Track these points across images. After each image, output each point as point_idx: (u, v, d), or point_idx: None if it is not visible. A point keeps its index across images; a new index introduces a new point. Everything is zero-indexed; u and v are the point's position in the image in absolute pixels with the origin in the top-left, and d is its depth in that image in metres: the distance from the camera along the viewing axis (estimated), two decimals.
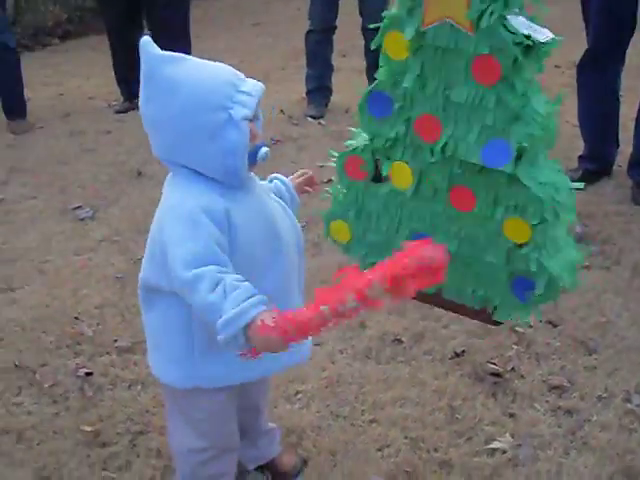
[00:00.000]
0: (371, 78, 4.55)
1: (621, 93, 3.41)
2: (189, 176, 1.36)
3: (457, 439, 1.87)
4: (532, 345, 2.24)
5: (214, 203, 1.32)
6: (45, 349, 2.26)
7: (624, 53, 3.25)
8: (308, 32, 4.49)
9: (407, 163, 1.50)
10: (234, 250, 1.33)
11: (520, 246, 1.48)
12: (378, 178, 1.60)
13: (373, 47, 1.46)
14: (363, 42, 4.53)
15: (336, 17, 4.43)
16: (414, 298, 1.48)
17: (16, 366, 2.19)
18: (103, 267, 2.75)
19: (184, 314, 1.38)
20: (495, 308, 1.58)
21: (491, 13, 1.22)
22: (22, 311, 2.48)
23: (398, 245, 1.36)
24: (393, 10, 1.37)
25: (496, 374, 2.10)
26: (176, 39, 4.72)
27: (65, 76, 5.84)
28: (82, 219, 3.16)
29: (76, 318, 2.40)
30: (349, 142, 1.63)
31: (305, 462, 1.80)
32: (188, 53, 4.26)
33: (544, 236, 1.43)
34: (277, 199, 1.53)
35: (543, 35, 1.26)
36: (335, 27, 4.47)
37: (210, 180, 1.34)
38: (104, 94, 5.20)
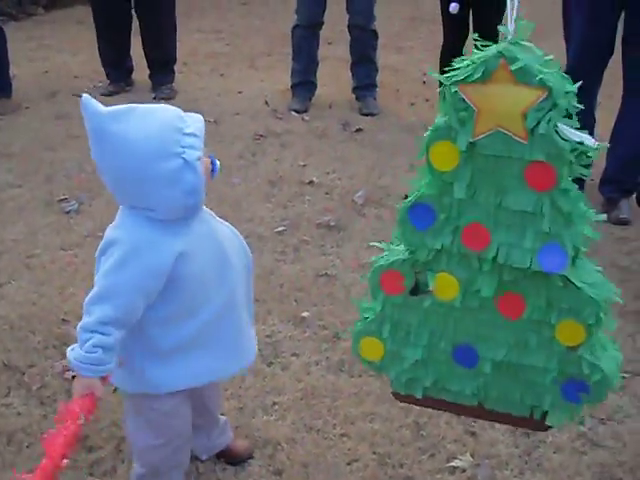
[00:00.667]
0: (355, 74, 4.66)
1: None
2: (148, 220, 1.48)
3: (421, 456, 2.01)
4: None
5: (165, 253, 1.47)
6: (33, 349, 2.36)
7: (601, 75, 3.36)
8: (295, 27, 4.55)
9: (452, 273, 1.44)
10: (184, 279, 1.50)
11: (572, 348, 1.45)
12: (415, 290, 1.52)
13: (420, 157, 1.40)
14: (349, 37, 4.62)
15: (324, 13, 4.49)
16: (452, 411, 1.62)
17: (5, 365, 2.29)
18: (89, 264, 2.81)
19: (136, 327, 1.53)
20: (546, 413, 1.55)
21: (548, 121, 1.24)
22: (10, 308, 2.57)
23: (440, 358, 1.49)
24: (438, 121, 1.34)
25: None
26: (161, 20, 4.77)
27: (50, 51, 5.85)
28: (67, 212, 3.24)
29: (63, 319, 2.49)
30: (381, 257, 1.53)
31: (280, 473, 1.94)
32: (174, 34, 4.31)
33: (596, 337, 1.43)
34: (224, 222, 1.69)
35: (590, 141, 1.28)
36: (322, 23, 4.53)
37: (167, 222, 1.48)
38: (89, 73, 5.23)
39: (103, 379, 1.51)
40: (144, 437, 1.70)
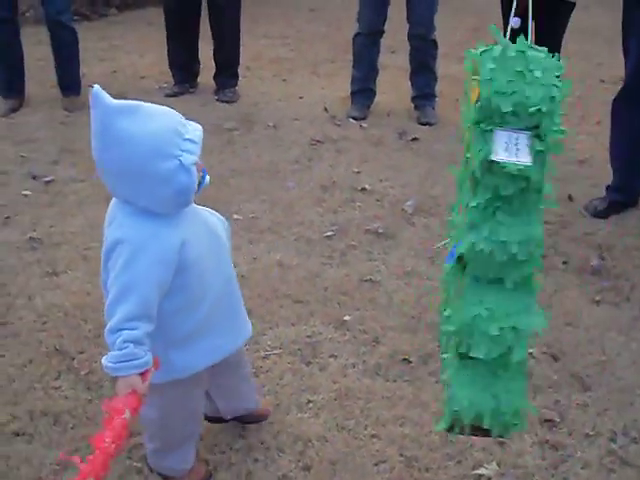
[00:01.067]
0: (414, 83, 4.71)
1: None
2: (147, 214, 1.57)
3: (448, 461, 2.05)
4: (531, 377, 2.39)
5: (170, 243, 1.57)
6: (84, 337, 2.48)
7: None
8: (356, 35, 4.62)
9: None
10: (189, 266, 1.61)
11: None
12: None
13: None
14: (409, 48, 4.67)
15: (385, 21, 4.54)
16: None
17: (57, 350, 2.41)
18: None
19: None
20: None
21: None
22: (65, 297, 2.70)
23: None
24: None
25: None
26: (226, 25, 4.89)
27: (119, 51, 6.03)
28: None
29: None
30: None
31: (308, 468, 2.00)
32: (238, 39, 4.42)
33: None
34: (204, 208, 1.79)
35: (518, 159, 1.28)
36: (383, 31, 4.58)
37: (163, 216, 1.58)
38: (156, 74, 5.39)
39: (143, 375, 1.56)
40: (160, 418, 1.80)
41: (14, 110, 4.59)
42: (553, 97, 1.24)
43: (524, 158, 1.25)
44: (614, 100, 3.48)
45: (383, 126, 4.50)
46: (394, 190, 3.68)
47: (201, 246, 1.66)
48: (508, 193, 1.29)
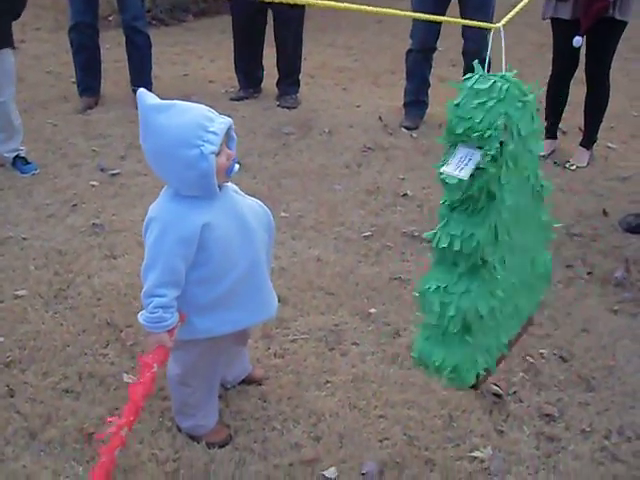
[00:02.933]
0: None
1: None
2: (178, 197, 1.86)
3: (447, 443, 2.24)
4: (538, 375, 2.56)
5: (191, 225, 1.83)
6: (133, 312, 2.73)
7: None
8: (408, 51, 4.81)
9: None
10: (212, 245, 1.86)
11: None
12: None
13: None
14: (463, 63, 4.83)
15: (437, 39, 4.71)
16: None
17: (108, 323, 2.70)
18: None
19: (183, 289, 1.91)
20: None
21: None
22: (119, 276, 2.99)
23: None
24: None
25: (497, 395, 2.43)
26: (289, 34, 5.15)
27: (192, 56, 6.38)
28: None
29: None
30: None
31: (318, 439, 2.22)
32: (300, 48, 4.68)
33: None
34: (250, 197, 2.04)
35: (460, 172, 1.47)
36: (435, 48, 4.76)
37: (191, 199, 1.84)
38: (224, 79, 5.69)
39: (170, 332, 1.88)
40: (182, 374, 2.10)
41: (90, 108, 4.97)
42: (497, 126, 1.43)
43: (463, 173, 1.44)
44: None
45: (433, 137, 4.67)
46: (434, 197, 3.85)
47: (228, 229, 1.90)
48: (454, 199, 1.49)
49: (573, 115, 4.73)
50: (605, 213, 3.75)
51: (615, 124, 5.02)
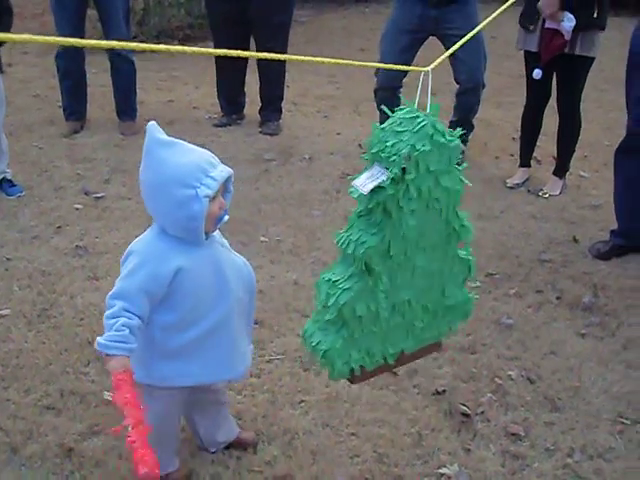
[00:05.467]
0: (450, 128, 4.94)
1: None
2: (162, 235, 1.87)
3: (416, 460, 2.32)
4: (506, 396, 2.65)
5: (167, 265, 1.82)
6: None
7: None
8: (376, 90, 4.84)
9: None
10: (183, 292, 1.85)
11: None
12: None
13: None
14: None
15: (404, 77, 4.68)
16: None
17: (89, 343, 2.77)
18: None
19: (145, 329, 1.87)
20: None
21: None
22: (101, 298, 3.04)
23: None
24: None
25: (465, 414, 2.53)
26: (273, 62, 5.26)
27: (177, 82, 6.50)
28: None
29: None
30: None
31: (292, 456, 2.30)
32: (283, 76, 4.77)
33: None
34: (236, 254, 2.04)
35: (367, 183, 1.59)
36: (401, 86, 4.70)
37: (175, 240, 1.85)
38: (208, 105, 5.81)
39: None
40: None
41: (76, 132, 5.07)
42: (401, 154, 1.56)
43: (365, 188, 1.57)
44: (616, 151, 3.74)
45: None
46: None
47: (202, 279, 1.87)
48: (361, 208, 1.65)
49: (547, 144, 4.88)
50: (575, 240, 3.87)
51: (588, 153, 5.17)
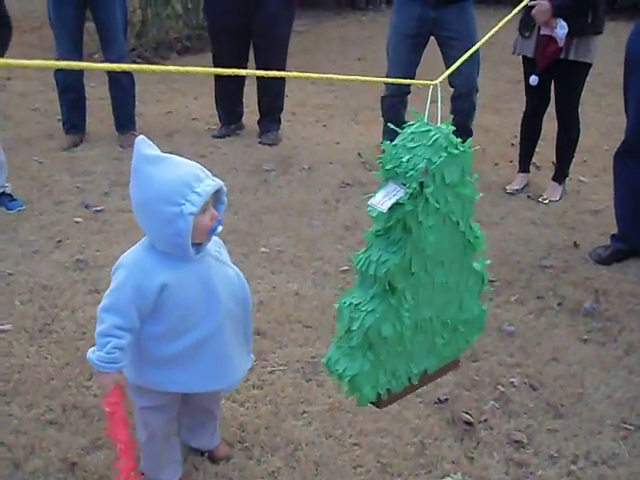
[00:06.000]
0: None
1: None
2: (151, 250, 1.88)
3: (419, 470, 2.32)
4: (509, 403, 2.65)
5: (152, 280, 1.84)
6: None
7: None
8: (383, 97, 4.89)
9: None
10: (170, 306, 1.88)
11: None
12: None
13: None
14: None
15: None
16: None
17: None
18: None
19: (137, 338, 1.92)
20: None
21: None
22: None
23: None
24: None
25: (468, 423, 2.52)
26: (273, 77, 5.26)
27: (176, 94, 6.52)
28: None
29: None
30: None
31: (295, 468, 2.30)
32: (283, 86, 4.80)
33: None
34: (231, 266, 2.04)
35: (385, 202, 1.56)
36: (409, 92, 4.81)
37: (163, 255, 1.86)
38: (206, 116, 5.82)
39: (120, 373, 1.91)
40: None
41: (75, 145, 5.08)
42: (418, 168, 1.55)
43: (384, 206, 1.55)
44: (615, 154, 3.74)
45: None
46: None
47: (190, 293, 1.89)
48: (379, 227, 1.62)
49: (546, 150, 4.89)
50: (576, 245, 3.87)
51: (587, 158, 5.18)
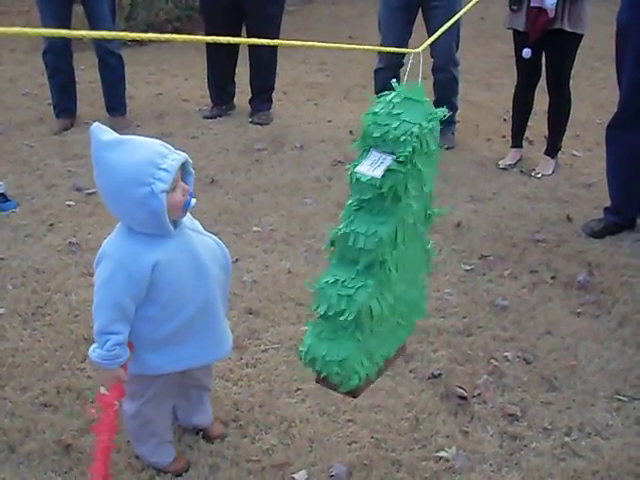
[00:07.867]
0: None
1: None
2: (132, 234, 1.86)
3: (413, 445, 2.33)
4: (502, 377, 2.65)
5: (142, 264, 1.82)
6: None
7: None
8: (377, 69, 4.90)
9: None
10: (163, 284, 1.86)
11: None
12: None
13: None
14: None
15: (404, 55, 4.80)
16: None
17: (84, 339, 2.77)
18: None
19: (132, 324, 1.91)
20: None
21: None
22: None
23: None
24: None
25: (462, 397, 2.53)
26: (264, 52, 5.25)
27: (166, 75, 6.48)
28: None
29: None
30: None
31: (289, 444, 2.31)
32: (274, 66, 4.75)
33: None
34: (207, 234, 2.04)
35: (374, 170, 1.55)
36: (402, 64, 4.83)
37: (144, 237, 1.84)
38: (197, 97, 5.80)
39: (123, 366, 1.91)
40: (135, 413, 2.10)
41: (66, 129, 5.05)
42: (412, 132, 1.54)
43: (376, 173, 1.53)
44: (608, 126, 3.72)
45: None
46: None
47: (180, 268, 1.88)
48: (366, 197, 1.59)
49: (539, 124, 4.87)
50: (569, 219, 3.87)
51: (580, 132, 5.16)
